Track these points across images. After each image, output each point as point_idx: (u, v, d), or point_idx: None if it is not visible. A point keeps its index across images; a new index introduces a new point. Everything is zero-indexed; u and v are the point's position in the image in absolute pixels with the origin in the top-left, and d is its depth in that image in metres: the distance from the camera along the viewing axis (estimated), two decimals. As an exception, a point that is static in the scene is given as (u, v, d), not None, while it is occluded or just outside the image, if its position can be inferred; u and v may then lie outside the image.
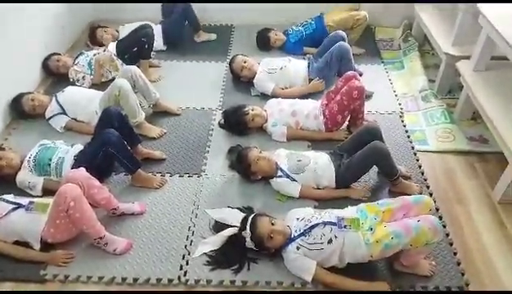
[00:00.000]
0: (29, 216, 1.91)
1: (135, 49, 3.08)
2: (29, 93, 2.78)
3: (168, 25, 3.47)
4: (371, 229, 1.75)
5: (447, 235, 2.00)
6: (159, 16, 3.58)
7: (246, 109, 2.59)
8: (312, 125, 2.56)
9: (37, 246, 1.91)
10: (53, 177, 2.23)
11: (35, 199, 2.01)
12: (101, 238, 1.90)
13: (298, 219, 1.89)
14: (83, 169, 2.02)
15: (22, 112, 2.74)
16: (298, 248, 1.80)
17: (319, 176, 2.18)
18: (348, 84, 2.47)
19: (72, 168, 2.17)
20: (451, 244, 1.97)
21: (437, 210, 2.12)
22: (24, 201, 1.98)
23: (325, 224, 1.81)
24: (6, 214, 1.92)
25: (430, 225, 1.67)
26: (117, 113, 2.35)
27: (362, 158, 2.14)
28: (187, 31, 3.63)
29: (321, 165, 2.19)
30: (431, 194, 2.21)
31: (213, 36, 3.67)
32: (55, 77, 3.11)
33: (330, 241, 1.76)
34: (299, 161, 2.22)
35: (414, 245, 1.69)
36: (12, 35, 2.83)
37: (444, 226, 2.05)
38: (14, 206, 1.95)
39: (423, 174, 2.33)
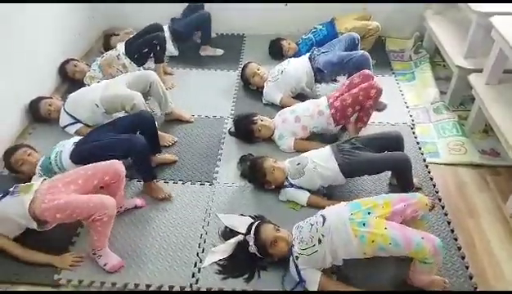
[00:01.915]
0: (15, 200, 1.91)
1: (145, 50, 3.13)
2: (48, 98, 2.85)
3: (180, 26, 3.49)
4: (364, 224, 1.73)
5: (459, 249, 2.00)
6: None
7: (255, 118, 2.62)
8: (320, 122, 2.54)
9: (34, 225, 1.91)
10: (57, 171, 2.23)
11: (20, 184, 2.01)
12: (99, 249, 1.93)
13: (297, 227, 1.91)
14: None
15: (38, 115, 2.80)
16: (297, 258, 1.81)
17: (321, 173, 2.17)
18: (369, 82, 2.47)
19: (74, 151, 2.21)
20: (463, 257, 1.96)
21: (449, 223, 2.12)
22: (11, 188, 1.99)
23: (311, 225, 1.83)
24: None
25: (432, 247, 1.64)
26: (152, 121, 2.42)
27: (386, 160, 2.14)
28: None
29: (319, 161, 2.18)
30: (443, 207, 2.21)
31: (219, 51, 3.65)
32: (70, 82, 3.17)
33: (319, 241, 1.77)
34: (298, 164, 2.23)
35: (410, 255, 1.70)
36: (30, 41, 2.89)
37: (456, 239, 2.05)
38: (2, 194, 1.97)
39: (434, 186, 2.33)
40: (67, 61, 3.18)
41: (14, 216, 1.90)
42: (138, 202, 2.25)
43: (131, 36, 3.28)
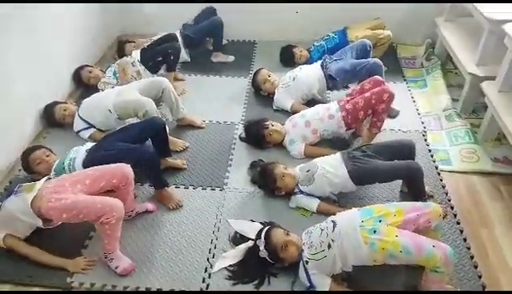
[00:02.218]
0: (18, 198, 1.94)
1: (160, 59, 3.17)
2: (63, 103, 2.90)
3: (191, 32, 3.51)
4: (375, 231, 1.73)
5: (472, 258, 1.98)
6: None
7: (267, 123, 2.63)
8: (330, 125, 2.54)
9: (39, 222, 1.93)
10: None
11: (24, 184, 2.04)
12: (111, 252, 1.94)
13: (306, 232, 1.92)
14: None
15: (52, 120, 2.85)
16: (307, 262, 1.81)
17: (331, 180, 2.16)
18: (382, 86, 2.48)
19: (86, 159, 2.24)
20: (476, 267, 1.94)
21: (462, 232, 2.10)
22: (15, 188, 2.03)
23: (321, 230, 1.84)
24: (1, 204, 2.00)
25: (443, 255, 1.64)
26: (162, 127, 2.45)
27: (397, 169, 2.12)
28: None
29: (329, 167, 2.18)
30: (455, 215, 2.19)
31: (231, 58, 3.69)
32: (84, 88, 3.22)
33: (329, 246, 1.77)
34: (308, 171, 2.23)
35: (420, 263, 1.69)
36: (46, 46, 2.95)
37: (468, 248, 2.03)
38: (7, 194, 2.02)
39: (447, 194, 2.32)
40: (82, 67, 3.24)
41: (18, 213, 1.92)
42: (150, 206, 2.27)
43: (146, 44, 3.33)
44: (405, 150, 2.22)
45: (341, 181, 2.16)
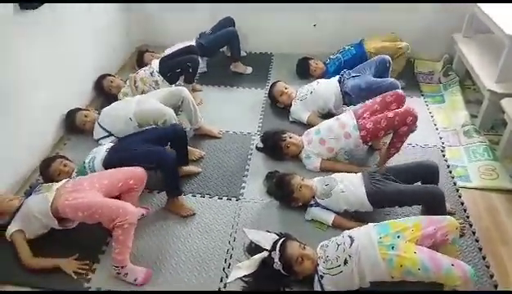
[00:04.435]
0: (38, 197, 2.02)
1: (178, 70, 3.21)
2: (85, 109, 2.97)
3: (205, 42, 3.55)
4: (393, 247, 1.72)
5: (491, 276, 1.95)
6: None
7: (284, 135, 2.64)
8: (347, 144, 2.51)
9: (54, 222, 1.97)
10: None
11: (43, 184, 2.14)
12: (122, 267, 1.92)
13: (321, 247, 1.91)
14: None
15: (73, 125, 2.90)
16: (322, 277, 1.80)
17: (347, 197, 2.15)
18: (406, 108, 2.44)
19: (107, 158, 2.28)
20: (496, 286, 1.91)
21: (480, 249, 2.07)
22: (35, 187, 2.13)
23: (338, 245, 1.83)
24: (23, 202, 2.07)
25: (462, 274, 1.62)
26: (184, 134, 2.52)
27: (419, 194, 2.09)
28: (224, 57, 3.80)
29: (348, 185, 2.17)
30: (474, 233, 2.16)
31: (249, 69, 3.73)
32: (105, 97, 3.28)
33: (345, 261, 1.77)
34: (326, 185, 2.23)
35: (439, 281, 1.67)
36: (70, 54, 3.03)
37: (488, 267, 1.99)
38: (28, 193, 2.10)
39: (465, 211, 2.29)
40: (104, 76, 3.30)
41: (36, 213, 1.97)
42: (143, 210, 2.29)
43: (165, 54, 3.38)
44: (428, 174, 2.20)
45: (358, 201, 2.14)
